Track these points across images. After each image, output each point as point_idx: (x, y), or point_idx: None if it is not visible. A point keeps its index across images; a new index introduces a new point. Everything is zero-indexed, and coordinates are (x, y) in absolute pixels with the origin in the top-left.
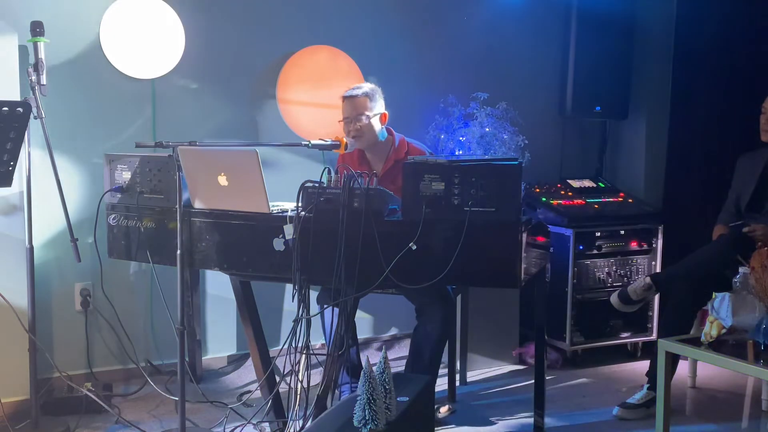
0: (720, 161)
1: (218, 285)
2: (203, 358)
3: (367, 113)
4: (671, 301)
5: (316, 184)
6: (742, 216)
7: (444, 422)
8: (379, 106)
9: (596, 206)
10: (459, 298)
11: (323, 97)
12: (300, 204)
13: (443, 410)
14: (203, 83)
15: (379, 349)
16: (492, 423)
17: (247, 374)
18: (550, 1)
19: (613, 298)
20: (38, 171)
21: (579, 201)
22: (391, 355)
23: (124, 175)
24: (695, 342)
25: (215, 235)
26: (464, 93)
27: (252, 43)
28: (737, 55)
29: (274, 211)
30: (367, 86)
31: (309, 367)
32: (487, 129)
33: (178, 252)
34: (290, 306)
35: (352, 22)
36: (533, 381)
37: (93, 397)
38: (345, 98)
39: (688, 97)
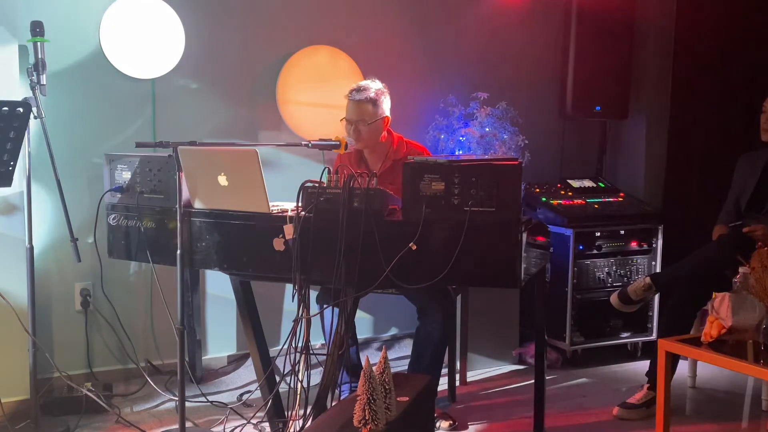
0: (720, 161)
1: (218, 285)
2: (203, 358)
3: (367, 121)
4: (671, 301)
5: (316, 184)
6: (742, 216)
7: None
8: (382, 111)
9: (596, 206)
10: (459, 298)
11: (323, 97)
12: (300, 204)
13: (444, 425)
14: (203, 83)
15: (379, 349)
16: (492, 423)
17: (247, 374)
18: (550, 1)
19: (613, 298)
20: (38, 171)
21: (579, 201)
22: (391, 355)
23: (124, 175)
24: (695, 342)
25: (215, 235)
26: (464, 93)
27: (252, 43)
28: (737, 54)
29: (274, 211)
30: (373, 89)
31: (309, 367)
32: (487, 129)
33: (178, 252)
34: (290, 306)
35: (352, 22)
36: (533, 381)
37: (93, 397)
38: (349, 99)
39: (688, 97)
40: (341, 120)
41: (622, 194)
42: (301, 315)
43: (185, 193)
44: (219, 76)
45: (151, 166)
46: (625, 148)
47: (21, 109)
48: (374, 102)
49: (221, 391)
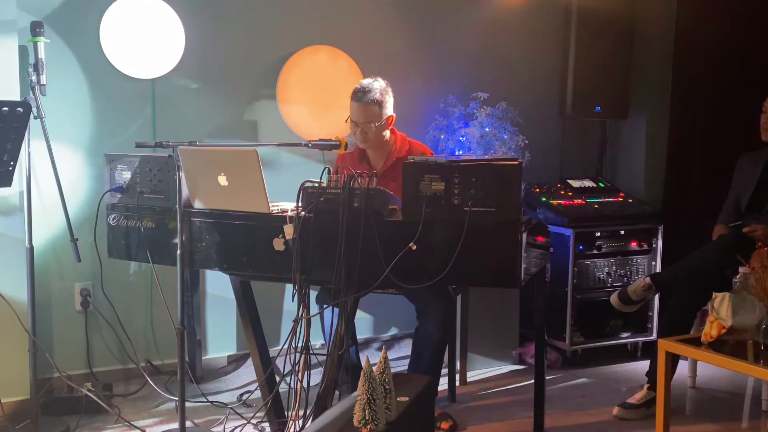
0: (720, 161)
1: (218, 285)
2: (203, 358)
3: (375, 123)
4: (671, 301)
5: (316, 184)
6: (742, 216)
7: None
8: (387, 111)
9: (596, 206)
10: (459, 298)
11: (323, 97)
12: (300, 204)
13: (444, 426)
14: (203, 83)
15: (379, 349)
16: (492, 423)
17: (247, 374)
18: (550, 1)
19: (613, 298)
20: (38, 171)
21: (579, 201)
22: (391, 355)
23: (124, 175)
24: (695, 342)
25: (215, 235)
26: (464, 93)
27: (252, 43)
28: (737, 54)
29: (274, 211)
30: (378, 89)
31: (309, 367)
32: (487, 129)
33: (178, 252)
34: (290, 306)
35: (352, 22)
36: (533, 381)
37: (93, 397)
38: (355, 102)
39: (688, 97)
40: (346, 121)
41: (622, 194)
42: (301, 315)
43: (185, 193)
44: (219, 76)
45: (151, 166)
46: (625, 148)
47: (21, 109)
48: (380, 103)
49: (221, 391)
